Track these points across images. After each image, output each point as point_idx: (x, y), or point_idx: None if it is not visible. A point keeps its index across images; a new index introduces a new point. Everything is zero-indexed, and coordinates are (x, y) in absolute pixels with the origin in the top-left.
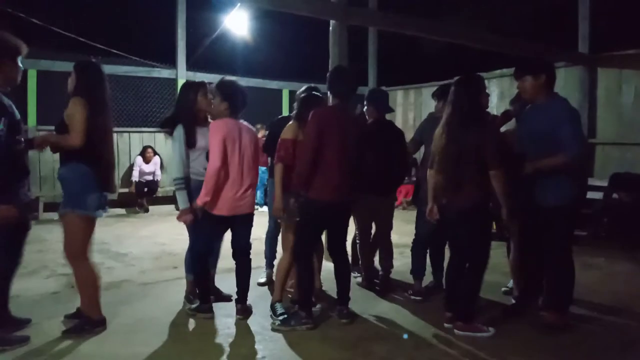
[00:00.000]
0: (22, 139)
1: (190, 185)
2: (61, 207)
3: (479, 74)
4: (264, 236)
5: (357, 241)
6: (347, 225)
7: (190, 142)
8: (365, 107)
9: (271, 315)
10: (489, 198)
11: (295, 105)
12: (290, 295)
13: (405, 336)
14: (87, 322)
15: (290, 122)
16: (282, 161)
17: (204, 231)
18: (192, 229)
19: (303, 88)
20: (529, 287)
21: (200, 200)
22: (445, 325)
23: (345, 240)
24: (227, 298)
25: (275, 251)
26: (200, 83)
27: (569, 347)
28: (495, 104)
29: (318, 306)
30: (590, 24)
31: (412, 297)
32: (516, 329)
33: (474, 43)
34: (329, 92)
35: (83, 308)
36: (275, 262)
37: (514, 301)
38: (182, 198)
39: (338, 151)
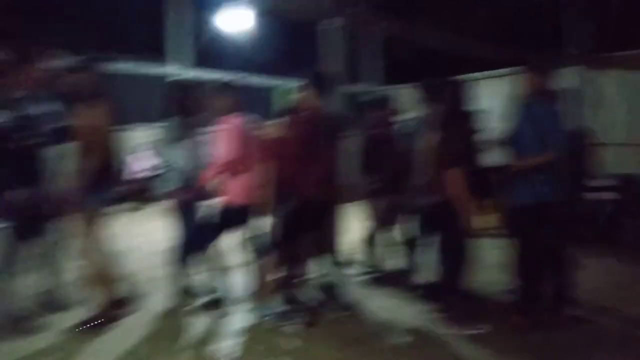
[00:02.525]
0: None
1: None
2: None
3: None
4: None
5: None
6: (333, 221)
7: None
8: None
9: (261, 312)
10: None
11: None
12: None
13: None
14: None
15: (275, 121)
16: (266, 160)
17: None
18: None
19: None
20: (525, 286)
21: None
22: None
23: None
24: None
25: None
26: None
27: (552, 345)
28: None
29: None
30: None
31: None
32: (503, 329)
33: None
34: (313, 87)
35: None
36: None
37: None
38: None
39: (325, 149)
